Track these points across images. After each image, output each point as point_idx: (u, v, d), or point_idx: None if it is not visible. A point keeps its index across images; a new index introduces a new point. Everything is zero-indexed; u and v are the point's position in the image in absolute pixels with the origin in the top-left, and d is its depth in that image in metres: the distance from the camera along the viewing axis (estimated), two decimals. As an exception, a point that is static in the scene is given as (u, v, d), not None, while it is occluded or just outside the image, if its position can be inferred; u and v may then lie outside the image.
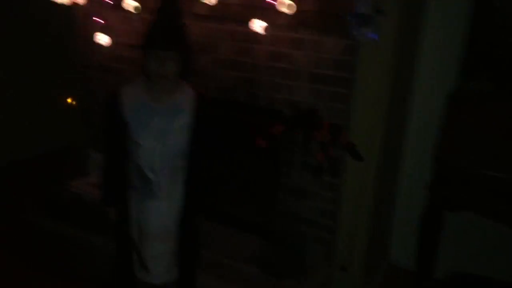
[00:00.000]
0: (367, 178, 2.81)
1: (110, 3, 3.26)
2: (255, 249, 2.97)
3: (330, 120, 2.86)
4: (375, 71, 2.68)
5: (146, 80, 2.23)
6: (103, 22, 3.30)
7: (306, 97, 2.93)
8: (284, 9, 2.67)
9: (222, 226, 3.26)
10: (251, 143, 2.79)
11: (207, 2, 2.88)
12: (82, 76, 3.72)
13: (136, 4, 3.09)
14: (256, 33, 2.84)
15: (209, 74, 3.19)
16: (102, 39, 3.24)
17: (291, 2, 2.66)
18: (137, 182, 2.28)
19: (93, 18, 3.35)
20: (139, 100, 2.22)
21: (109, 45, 3.29)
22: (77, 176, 3.51)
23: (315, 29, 2.81)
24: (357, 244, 2.91)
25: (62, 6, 3.23)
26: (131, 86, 2.26)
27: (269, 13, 2.75)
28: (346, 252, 2.94)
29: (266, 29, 2.81)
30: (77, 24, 3.62)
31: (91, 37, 3.38)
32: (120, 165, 2.30)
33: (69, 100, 3.85)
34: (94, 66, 3.65)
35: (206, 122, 2.29)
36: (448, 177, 2.49)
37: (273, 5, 2.68)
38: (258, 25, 2.80)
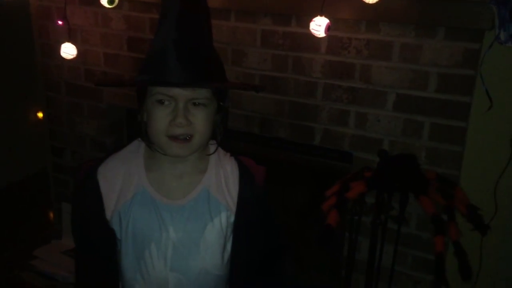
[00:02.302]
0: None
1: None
2: None
3: (432, 169, 1.81)
4: (508, 92, 1.68)
5: (145, 151, 1.18)
6: (61, 23, 2.20)
7: (391, 133, 1.87)
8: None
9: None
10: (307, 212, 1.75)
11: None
12: (46, 99, 2.72)
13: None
14: (307, 35, 1.79)
15: (231, 95, 2.09)
16: (66, 50, 2.13)
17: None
18: None
19: (55, 19, 2.34)
20: (134, 190, 1.15)
21: (74, 57, 2.19)
22: (44, 239, 2.60)
23: (409, 27, 1.72)
24: None
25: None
26: (117, 162, 1.19)
27: (328, 2, 1.66)
28: None
29: (327, 28, 1.72)
30: (34, 28, 2.52)
31: (53, 46, 2.45)
32: None
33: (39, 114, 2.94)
34: (58, 85, 2.55)
35: (266, 219, 1.24)
36: None
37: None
38: (315, 24, 1.71)
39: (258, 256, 1.23)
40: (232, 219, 1.17)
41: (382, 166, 1.78)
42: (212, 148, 1.19)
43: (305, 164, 2.09)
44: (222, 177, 1.17)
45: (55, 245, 2.63)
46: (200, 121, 1.07)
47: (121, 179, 1.15)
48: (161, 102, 1.06)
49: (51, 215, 2.91)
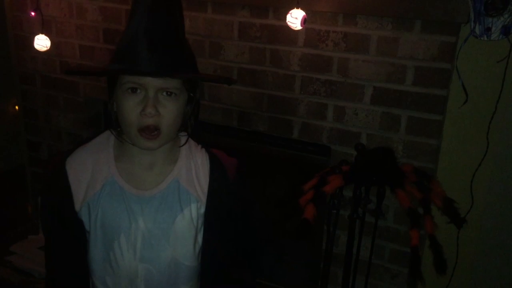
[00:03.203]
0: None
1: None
2: None
3: (409, 163, 1.82)
4: (484, 85, 1.66)
5: (115, 141, 1.15)
6: (33, 14, 2.15)
7: (368, 127, 1.87)
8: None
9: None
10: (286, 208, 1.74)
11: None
12: (21, 92, 2.66)
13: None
14: (285, 28, 1.77)
15: (208, 88, 2.07)
16: (39, 42, 2.09)
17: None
18: None
19: (29, 10, 2.21)
20: (103, 181, 1.12)
21: (48, 48, 2.15)
22: (21, 234, 2.56)
23: (386, 19, 1.71)
24: None
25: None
26: (85, 153, 1.16)
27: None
28: None
29: (304, 21, 1.70)
30: (7, 18, 2.46)
31: (27, 38, 2.38)
32: None
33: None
34: (33, 78, 2.48)
35: (237, 211, 1.21)
36: None
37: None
38: (291, 17, 1.70)
39: (230, 248, 1.22)
40: (202, 210, 1.15)
41: (359, 159, 1.77)
42: (183, 139, 1.17)
43: (283, 157, 2.08)
44: (193, 169, 1.16)
45: (32, 240, 2.59)
46: (169, 112, 1.05)
47: (90, 170, 1.12)
48: (132, 90, 1.04)
49: (28, 210, 2.86)
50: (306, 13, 1.71)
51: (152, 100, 1.03)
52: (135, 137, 1.06)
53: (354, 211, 1.80)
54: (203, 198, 1.14)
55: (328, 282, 1.97)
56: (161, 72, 1.02)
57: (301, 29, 1.76)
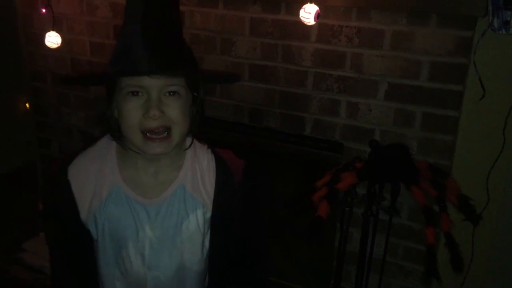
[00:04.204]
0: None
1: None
2: None
3: (424, 159, 1.79)
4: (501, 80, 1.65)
5: (117, 147, 1.11)
6: (44, 11, 2.14)
7: (382, 123, 1.85)
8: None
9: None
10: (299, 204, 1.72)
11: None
12: (32, 89, 2.66)
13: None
14: (297, 23, 1.76)
15: (220, 85, 2.06)
16: (50, 39, 2.08)
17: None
18: None
19: (40, 8, 2.23)
20: (108, 189, 1.09)
21: (58, 45, 2.14)
22: (32, 232, 2.55)
23: (401, 14, 1.69)
24: None
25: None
26: (87, 160, 1.12)
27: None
28: None
29: (317, 16, 1.68)
30: (18, 15, 2.46)
31: (38, 35, 2.36)
32: None
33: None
34: (44, 75, 2.48)
35: (245, 213, 1.18)
36: None
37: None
38: (304, 12, 1.68)
39: (239, 250, 1.20)
40: (208, 215, 1.12)
41: (373, 156, 1.75)
42: (187, 142, 1.12)
43: (295, 154, 2.06)
44: (198, 173, 1.12)
45: (43, 237, 2.58)
46: (176, 111, 1.01)
47: (94, 179, 1.09)
48: (133, 93, 0.99)
49: (39, 207, 2.87)
50: (319, 7, 1.69)
51: (156, 102, 0.99)
52: (142, 144, 1.01)
53: (368, 208, 1.77)
54: (209, 203, 1.12)
55: (341, 280, 1.95)
56: (161, 71, 0.97)
57: (313, 25, 1.74)
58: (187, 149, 1.12)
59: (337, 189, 1.68)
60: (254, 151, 2.11)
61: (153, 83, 0.98)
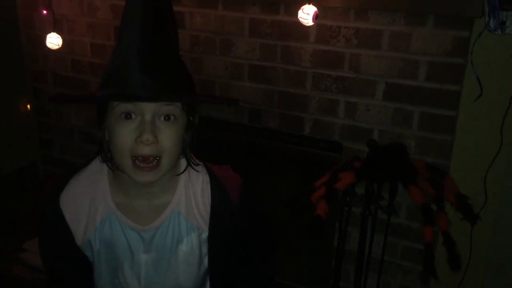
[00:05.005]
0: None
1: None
2: None
3: (422, 159, 1.80)
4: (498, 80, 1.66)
5: (109, 171, 1.07)
6: (45, 13, 2.15)
7: (380, 123, 1.86)
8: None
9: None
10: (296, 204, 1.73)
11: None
12: (33, 90, 2.68)
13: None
14: (296, 24, 1.78)
15: (219, 86, 2.07)
16: (51, 40, 2.10)
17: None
18: None
19: (41, 9, 2.23)
20: (101, 216, 1.07)
21: (59, 46, 2.16)
22: (34, 232, 2.40)
23: (399, 15, 1.70)
24: None
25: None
26: (79, 187, 1.08)
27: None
28: None
29: (315, 17, 1.69)
30: (19, 17, 2.48)
31: (39, 36, 2.39)
32: None
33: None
34: (45, 76, 2.51)
35: (249, 227, 1.17)
36: None
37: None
38: (303, 12, 1.69)
39: (238, 264, 1.19)
40: (204, 236, 1.10)
41: (371, 156, 1.76)
42: (182, 166, 1.08)
43: (294, 154, 2.07)
44: (192, 196, 1.10)
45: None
46: (168, 138, 0.96)
47: (87, 207, 1.06)
48: (126, 115, 0.94)
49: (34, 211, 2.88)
50: (317, 8, 1.70)
51: (149, 126, 0.94)
52: (130, 171, 0.97)
53: (366, 207, 1.79)
54: (204, 226, 1.09)
55: (340, 280, 1.96)
56: (157, 96, 0.93)
57: (312, 25, 1.76)
58: (180, 174, 1.08)
59: (336, 188, 1.69)
60: (253, 151, 2.13)
61: (148, 107, 0.94)
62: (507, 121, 1.74)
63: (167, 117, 0.96)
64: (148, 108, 0.94)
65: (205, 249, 1.11)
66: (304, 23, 1.71)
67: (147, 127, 0.94)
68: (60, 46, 2.18)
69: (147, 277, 1.09)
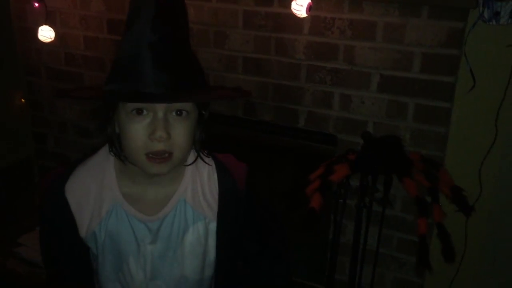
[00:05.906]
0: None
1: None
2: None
3: (416, 151, 1.80)
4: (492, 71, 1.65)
5: (115, 161, 1.07)
6: (37, 5, 2.13)
7: (375, 115, 1.85)
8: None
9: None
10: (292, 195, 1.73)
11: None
12: (27, 83, 2.66)
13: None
14: (290, 15, 1.76)
15: (213, 78, 2.06)
16: (43, 33, 2.08)
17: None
18: None
19: (33, 1, 2.23)
20: (108, 207, 1.06)
21: (52, 39, 2.13)
22: (29, 226, 2.52)
23: (393, 5, 1.69)
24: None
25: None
26: (85, 176, 1.07)
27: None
28: None
29: (309, 8, 1.68)
30: (11, 9, 2.45)
31: (31, 29, 2.35)
32: None
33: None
34: (38, 69, 2.49)
35: (250, 219, 1.16)
36: None
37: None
38: (296, 4, 1.68)
39: (245, 254, 1.20)
40: (210, 225, 1.10)
41: (366, 148, 1.76)
42: (190, 158, 1.08)
43: (289, 147, 2.06)
44: (199, 185, 1.09)
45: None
46: (180, 135, 0.96)
47: (93, 197, 1.05)
48: (137, 111, 0.94)
49: (36, 202, 2.87)
50: (310, 0, 1.69)
51: (162, 122, 0.93)
52: (143, 163, 0.97)
53: (361, 200, 1.78)
54: (211, 215, 1.09)
55: (335, 272, 1.96)
56: (171, 96, 0.92)
57: (306, 17, 1.74)
58: (189, 164, 1.08)
59: (331, 181, 1.68)
60: (248, 144, 2.12)
61: (163, 107, 0.94)
62: (501, 113, 1.73)
63: (179, 112, 0.96)
64: (161, 105, 0.94)
65: (211, 241, 1.11)
66: (297, 15, 1.70)
67: (160, 124, 0.93)
68: (52, 39, 2.16)
69: (153, 269, 1.09)
